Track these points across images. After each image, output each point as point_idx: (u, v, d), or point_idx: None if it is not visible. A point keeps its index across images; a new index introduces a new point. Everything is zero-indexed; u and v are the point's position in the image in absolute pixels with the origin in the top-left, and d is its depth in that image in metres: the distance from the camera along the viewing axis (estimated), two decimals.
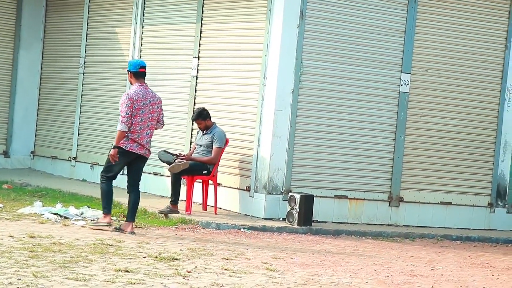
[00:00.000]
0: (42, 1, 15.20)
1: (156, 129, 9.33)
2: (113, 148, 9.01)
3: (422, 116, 11.50)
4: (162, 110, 9.33)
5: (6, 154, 15.00)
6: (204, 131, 10.87)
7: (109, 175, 9.21)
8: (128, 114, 8.96)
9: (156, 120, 9.23)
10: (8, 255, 7.11)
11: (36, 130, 15.23)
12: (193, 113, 11.07)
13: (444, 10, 11.50)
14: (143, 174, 12.99)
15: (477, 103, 11.79)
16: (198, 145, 10.93)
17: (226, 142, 10.96)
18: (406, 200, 11.40)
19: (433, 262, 8.87)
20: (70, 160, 14.31)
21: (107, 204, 9.21)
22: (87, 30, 14.23)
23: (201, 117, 10.84)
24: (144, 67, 9.17)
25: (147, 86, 9.20)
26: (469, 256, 9.53)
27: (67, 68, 14.66)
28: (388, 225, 11.26)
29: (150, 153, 9.28)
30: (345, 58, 11.04)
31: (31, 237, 8.14)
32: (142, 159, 9.20)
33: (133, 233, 8.97)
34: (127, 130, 8.97)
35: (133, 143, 9.05)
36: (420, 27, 11.38)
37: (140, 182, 9.29)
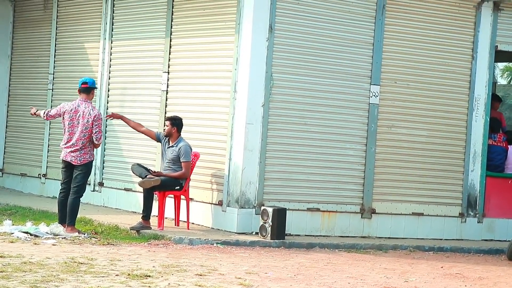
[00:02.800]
0: (9, 17, 15.08)
1: (94, 146, 10.12)
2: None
3: (392, 127, 11.58)
4: (95, 126, 9.96)
5: None
6: (170, 143, 10.81)
7: (61, 187, 10.23)
8: (54, 114, 10.21)
9: (85, 133, 9.92)
10: None
11: (4, 148, 15.06)
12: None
13: (411, 22, 11.61)
14: (114, 190, 12.95)
15: (446, 113, 11.90)
16: (164, 157, 10.86)
17: (196, 156, 10.93)
18: (378, 211, 11.45)
19: (407, 273, 8.91)
20: (40, 177, 14.16)
21: (58, 215, 10.19)
22: (55, 46, 14.13)
23: (173, 121, 10.79)
24: (85, 83, 10.10)
25: (85, 100, 10.05)
26: (442, 267, 9.59)
27: (36, 84, 14.54)
28: (361, 237, 11.29)
29: (79, 162, 9.95)
30: (315, 71, 11.08)
31: (1, 256, 8.01)
32: (75, 167, 9.98)
33: (73, 234, 9.74)
34: (43, 115, 10.22)
35: (63, 151, 10.08)
36: (388, 39, 11.47)
37: (77, 189, 9.99)
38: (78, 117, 9.96)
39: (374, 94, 11.40)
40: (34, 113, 10.43)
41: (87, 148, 10.00)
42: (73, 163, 9.99)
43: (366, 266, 9.20)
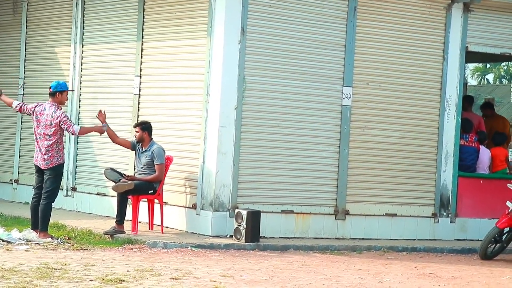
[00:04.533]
0: None
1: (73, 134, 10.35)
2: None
3: (365, 128, 11.63)
4: (65, 124, 9.90)
5: None
6: (143, 148, 10.76)
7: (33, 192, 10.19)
8: (26, 108, 10.21)
9: (50, 136, 9.87)
10: None
11: None
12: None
13: (383, 24, 11.69)
14: (87, 195, 12.86)
15: (418, 114, 11.99)
16: (137, 163, 10.81)
17: (170, 159, 10.89)
18: (352, 213, 11.49)
19: (381, 274, 8.95)
20: (12, 183, 14.01)
21: (31, 220, 10.18)
22: (25, 51, 14.00)
23: (141, 126, 10.75)
24: (50, 87, 10.12)
25: (51, 104, 9.99)
26: (416, 267, 9.65)
27: (6, 89, 14.30)
28: (335, 238, 11.33)
29: (46, 166, 9.90)
30: (287, 73, 11.10)
31: None
32: (45, 172, 9.95)
33: (46, 240, 9.66)
34: (13, 104, 10.33)
35: (34, 155, 10.09)
36: (360, 40, 11.53)
37: (48, 194, 9.92)
38: (43, 120, 9.95)
39: (346, 95, 11.45)
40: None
41: (53, 151, 9.91)
42: (42, 168, 9.94)
43: (340, 268, 9.23)
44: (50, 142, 9.89)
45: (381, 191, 11.70)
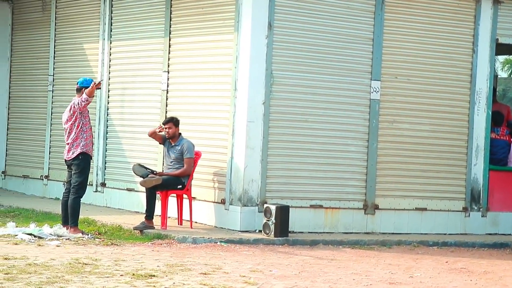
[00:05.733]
0: (8, 20, 15.06)
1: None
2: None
3: (394, 122, 11.55)
4: (76, 106, 9.94)
5: None
6: (172, 143, 10.79)
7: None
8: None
9: (74, 126, 9.96)
10: None
11: (6, 150, 15.05)
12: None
13: (411, 16, 11.59)
14: (117, 190, 12.97)
15: (447, 107, 11.88)
16: (167, 157, 10.83)
17: (198, 155, 10.91)
18: (381, 207, 11.43)
19: (411, 269, 8.89)
20: (42, 179, 14.15)
21: (62, 216, 10.27)
22: (54, 48, 14.12)
23: (173, 121, 10.77)
24: (77, 83, 10.19)
25: (74, 98, 10.08)
26: (447, 262, 9.57)
27: (36, 86, 14.53)
28: (365, 233, 11.27)
29: (71, 156, 9.98)
30: (315, 67, 11.06)
31: (5, 259, 8.01)
32: (71, 165, 10.04)
33: (77, 235, 9.73)
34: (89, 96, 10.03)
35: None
36: (388, 34, 11.45)
37: (75, 189, 9.98)
38: (66, 112, 10.10)
39: (375, 89, 11.38)
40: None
41: (77, 140, 9.98)
42: (67, 160, 10.06)
43: (370, 262, 9.19)
44: (73, 133, 9.99)
45: (411, 185, 11.61)
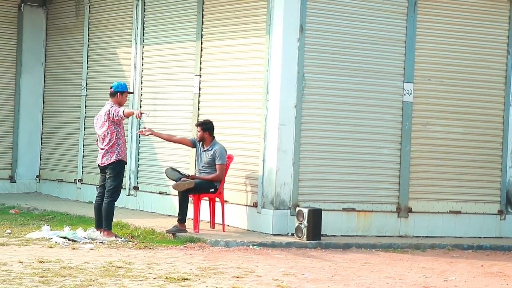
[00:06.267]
0: (42, 25, 15.24)
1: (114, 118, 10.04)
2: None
3: (427, 125, 11.46)
4: (111, 116, 9.97)
5: (12, 179, 14.99)
6: (204, 147, 10.82)
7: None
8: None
9: (108, 132, 10.01)
10: (19, 281, 7.07)
11: (41, 154, 15.22)
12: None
13: (444, 18, 11.49)
14: (149, 194, 13.03)
15: (481, 109, 11.75)
16: (199, 161, 10.86)
17: (230, 158, 10.93)
18: (414, 210, 11.34)
19: (446, 272, 8.81)
20: (76, 183, 14.28)
21: (95, 220, 10.32)
22: (87, 52, 14.25)
23: (203, 126, 10.80)
24: (111, 87, 10.24)
25: (109, 104, 10.13)
26: (482, 265, 9.46)
27: (69, 90, 14.67)
28: (398, 236, 11.20)
29: (105, 162, 10.05)
30: (347, 70, 11.02)
31: (41, 262, 8.09)
32: (106, 170, 10.11)
33: (110, 238, 9.80)
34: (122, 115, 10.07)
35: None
36: (421, 35, 11.37)
37: (110, 193, 10.05)
38: (101, 120, 10.14)
39: (407, 92, 11.30)
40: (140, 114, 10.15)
41: (112, 147, 10.03)
42: (101, 165, 10.12)
43: (404, 266, 9.12)
44: (108, 139, 10.03)
45: (445, 188, 11.51)
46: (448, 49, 11.53)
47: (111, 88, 10.28)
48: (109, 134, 10.04)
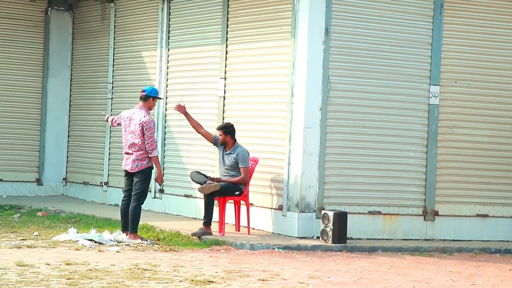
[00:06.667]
0: (69, 29, 15.37)
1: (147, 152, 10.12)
2: None
3: (453, 127, 11.38)
4: (146, 134, 9.99)
5: (39, 181, 15.13)
6: (226, 150, 10.83)
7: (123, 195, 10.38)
8: (114, 122, 10.45)
9: (139, 140, 10.01)
10: (46, 283, 7.12)
11: (67, 157, 15.34)
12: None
13: (471, 20, 11.41)
14: (175, 196, 13.06)
15: (508, 112, 11.64)
16: (222, 164, 10.87)
17: (255, 161, 10.93)
18: (441, 213, 11.26)
19: (473, 276, 8.73)
20: (102, 186, 14.37)
21: (121, 223, 10.33)
22: (113, 56, 14.34)
23: (225, 130, 10.80)
24: (143, 91, 10.24)
25: (141, 108, 10.16)
26: (510, 269, 9.36)
27: (96, 94, 14.78)
28: (424, 239, 11.12)
29: (135, 169, 10.06)
30: (373, 73, 10.98)
31: (68, 264, 8.15)
32: (134, 175, 10.12)
33: (136, 241, 9.84)
34: (109, 121, 10.48)
35: (123, 160, 10.25)
36: (447, 38, 11.30)
37: (137, 196, 10.11)
38: (132, 124, 10.09)
39: (433, 94, 11.23)
40: (106, 119, 10.65)
41: (143, 154, 10.06)
42: (130, 171, 10.09)
43: (430, 269, 9.05)
44: (140, 146, 10.04)
45: (472, 191, 11.41)
46: (474, 51, 11.44)
47: (143, 91, 10.23)
48: (140, 143, 10.04)
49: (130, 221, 10.03)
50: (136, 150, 10.05)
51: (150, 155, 10.05)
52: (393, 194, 11.05)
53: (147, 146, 10.01)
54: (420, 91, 11.21)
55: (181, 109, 10.97)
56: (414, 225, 11.14)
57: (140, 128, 9.99)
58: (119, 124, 10.38)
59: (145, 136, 9.99)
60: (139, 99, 10.29)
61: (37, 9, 15.12)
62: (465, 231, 11.35)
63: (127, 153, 10.15)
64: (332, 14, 10.70)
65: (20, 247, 9.17)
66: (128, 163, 10.13)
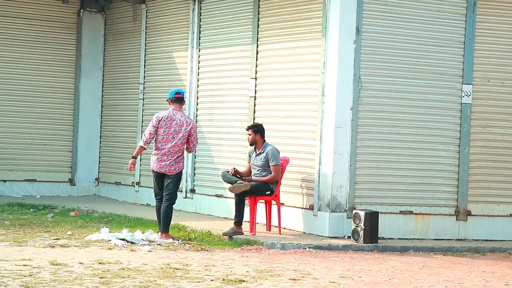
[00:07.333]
0: (101, 30, 15.50)
1: (188, 151, 10.29)
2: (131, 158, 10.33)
3: (486, 127, 11.27)
4: (193, 135, 10.11)
5: (71, 182, 15.28)
6: (256, 151, 10.83)
7: (154, 193, 10.34)
8: (150, 132, 10.08)
9: (182, 141, 10.04)
10: (79, 282, 7.20)
11: (99, 157, 15.48)
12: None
13: (504, 18, 11.29)
14: (206, 196, 13.10)
15: None
16: (254, 166, 10.88)
17: (286, 161, 10.92)
18: (474, 213, 11.16)
19: (507, 277, 8.63)
20: (134, 186, 14.47)
21: (157, 222, 10.25)
22: (145, 56, 14.44)
23: (253, 129, 10.80)
24: (179, 93, 10.23)
25: (179, 110, 10.18)
26: None
27: (127, 94, 14.89)
28: (457, 239, 11.03)
29: (173, 171, 10.07)
30: (404, 72, 10.92)
31: (100, 263, 8.22)
32: (167, 176, 10.07)
33: (168, 240, 9.84)
34: (143, 145, 10.16)
35: (155, 162, 10.09)
36: (480, 36, 11.19)
37: (169, 196, 10.11)
38: (175, 125, 10.06)
39: (466, 93, 11.14)
40: (133, 164, 10.24)
41: (181, 157, 10.15)
42: (168, 174, 10.09)
43: (463, 269, 8.98)
44: (181, 148, 10.10)
45: (505, 191, 11.29)
46: (508, 50, 11.32)
47: (179, 93, 10.20)
48: (181, 146, 10.09)
49: (162, 220, 10.08)
50: (177, 151, 10.05)
51: (192, 151, 10.32)
52: (425, 194, 10.98)
53: (192, 147, 10.17)
54: (452, 90, 11.13)
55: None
56: (446, 225, 11.05)
57: (189, 130, 10.02)
58: (153, 135, 10.07)
59: (192, 137, 10.11)
60: (171, 101, 10.16)
61: (69, 11, 15.28)
62: (498, 231, 11.24)
63: (165, 155, 10.05)
64: (364, 13, 10.66)
65: (53, 246, 9.27)
66: (164, 166, 10.05)
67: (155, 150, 10.17)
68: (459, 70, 11.13)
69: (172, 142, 10.04)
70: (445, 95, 11.10)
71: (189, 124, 10.09)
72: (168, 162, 10.06)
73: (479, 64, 11.20)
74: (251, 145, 10.91)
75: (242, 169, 11.07)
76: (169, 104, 10.27)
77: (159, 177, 10.19)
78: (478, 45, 11.18)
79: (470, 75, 11.15)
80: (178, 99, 10.19)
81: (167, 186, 10.12)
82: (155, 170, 10.13)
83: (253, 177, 10.87)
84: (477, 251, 10.42)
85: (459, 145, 11.13)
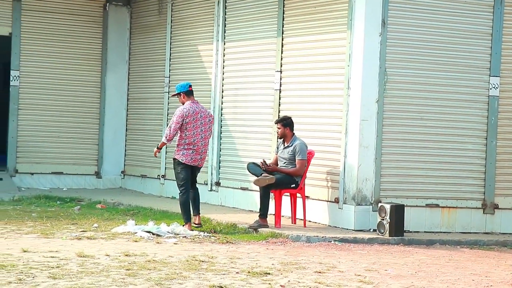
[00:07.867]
0: (127, 24, 15.57)
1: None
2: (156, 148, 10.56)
3: None
4: (212, 128, 10.43)
5: (98, 174, 15.39)
6: (285, 144, 10.83)
7: (182, 185, 10.33)
8: (175, 128, 10.19)
9: (209, 132, 10.33)
10: (106, 274, 7.26)
11: (125, 150, 15.56)
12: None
13: None
14: (231, 189, 13.20)
15: None
16: (280, 158, 10.89)
17: (311, 154, 10.91)
18: (501, 207, 11.06)
19: None
20: (159, 178, 14.53)
21: (184, 213, 10.32)
22: (170, 50, 14.48)
23: (283, 122, 10.82)
24: (191, 86, 10.43)
25: (197, 102, 10.40)
26: None
27: (153, 87, 14.95)
28: (484, 233, 10.95)
29: (202, 164, 10.35)
30: (431, 64, 10.84)
31: (126, 255, 8.28)
32: (198, 168, 10.40)
33: (198, 225, 10.21)
34: (166, 142, 10.30)
35: (188, 156, 10.20)
36: (508, 28, 11.07)
37: (196, 186, 10.45)
38: (200, 118, 10.26)
39: (494, 86, 11.03)
40: (158, 150, 10.56)
41: (207, 148, 10.47)
42: (199, 166, 10.39)
43: (490, 263, 8.91)
44: (207, 140, 10.40)
45: None
46: None
47: (191, 86, 10.46)
48: (209, 137, 10.45)
49: (197, 206, 10.34)
50: (207, 143, 10.40)
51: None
52: (452, 187, 10.91)
53: (209, 137, 10.43)
54: (479, 82, 11.03)
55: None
56: (473, 218, 10.98)
57: (212, 120, 10.46)
58: (178, 129, 10.20)
59: (211, 129, 10.41)
60: (186, 94, 10.35)
61: (95, 4, 15.37)
62: None
63: (199, 149, 10.25)
64: (389, 5, 10.59)
65: (80, 238, 9.35)
66: (199, 160, 10.30)
67: (187, 145, 10.23)
68: (486, 62, 11.03)
69: (201, 134, 10.27)
70: (472, 88, 11.01)
71: (210, 115, 10.45)
72: (203, 155, 10.36)
73: (506, 56, 11.09)
74: (280, 138, 10.91)
75: (268, 161, 11.06)
76: (182, 98, 10.37)
77: (187, 168, 10.31)
78: (506, 37, 11.06)
79: (497, 67, 11.04)
80: (192, 91, 10.43)
81: (194, 177, 10.41)
82: (190, 164, 10.25)
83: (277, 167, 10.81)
84: (505, 244, 10.33)
85: (486, 138, 11.04)
